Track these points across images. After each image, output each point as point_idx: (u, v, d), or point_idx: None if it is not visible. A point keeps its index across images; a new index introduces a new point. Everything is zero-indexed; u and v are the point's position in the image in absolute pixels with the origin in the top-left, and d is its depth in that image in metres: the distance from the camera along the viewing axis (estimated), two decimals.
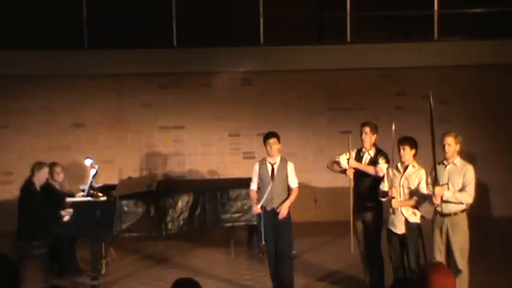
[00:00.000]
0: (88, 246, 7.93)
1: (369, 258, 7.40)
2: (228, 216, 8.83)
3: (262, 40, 11.46)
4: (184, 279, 3.63)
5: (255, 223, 8.13)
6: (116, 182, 9.01)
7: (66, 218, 7.80)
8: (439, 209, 6.65)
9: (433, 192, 6.54)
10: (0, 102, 11.34)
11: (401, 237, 6.83)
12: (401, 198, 6.80)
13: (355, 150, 7.47)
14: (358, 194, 7.37)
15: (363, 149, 7.43)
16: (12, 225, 8.10)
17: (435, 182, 6.57)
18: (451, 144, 6.65)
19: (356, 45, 11.35)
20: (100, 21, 11.40)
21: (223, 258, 9.27)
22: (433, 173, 6.62)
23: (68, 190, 8.86)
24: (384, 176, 7.03)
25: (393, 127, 7.03)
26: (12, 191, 9.95)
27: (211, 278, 8.13)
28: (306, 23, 11.78)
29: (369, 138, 7.34)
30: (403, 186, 6.81)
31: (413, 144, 6.84)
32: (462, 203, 6.61)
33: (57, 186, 8.53)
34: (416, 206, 6.83)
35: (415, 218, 6.81)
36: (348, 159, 7.39)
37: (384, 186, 6.97)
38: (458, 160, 6.70)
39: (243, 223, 8.95)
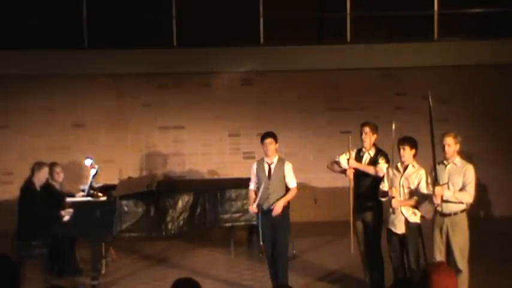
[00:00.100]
0: (88, 246, 7.92)
1: (369, 258, 7.39)
2: (228, 216, 8.82)
3: (262, 40, 11.45)
4: (184, 279, 3.63)
5: (255, 223, 8.09)
6: (116, 182, 8.99)
7: (66, 218, 7.80)
8: (439, 208, 6.64)
9: (433, 192, 6.54)
10: (0, 102, 11.34)
11: (402, 237, 6.83)
12: (401, 198, 6.80)
13: (355, 150, 7.47)
14: (358, 194, 7.36)
15: (363, 149, 7.42)
16: (12, 225, 8.11)
17: (435, 181, 6.57)
18: (451, 145, 6.65)
19: (356, 45, 11.34)
20: (100, 21, 11.39)
21: (223, 258, 9.26)
22: (433, 173, 6.62)
23: (67, 190, 8.86)
24: (383, 176, 7.03)
25: (393, 127, 7.03)
26: (12, 191, 9.95)
27: (211, 278, 8.12)
28: (306, 23, 11.77)
29: (368, 138, 7.33)
30: (403, 186, 6.81)
31: (413, 144, 6.84)
32: (462, 203, 6.61)
33: (57, 186, 8.53)
34: (416, 206, 6.83)
35: (415, 217, 6.81)
36: (348, 159, 7.38)
37: (384, 186, 6.97)
38: (458, 160, 6.70)
39: (243, 223, 8.94)
